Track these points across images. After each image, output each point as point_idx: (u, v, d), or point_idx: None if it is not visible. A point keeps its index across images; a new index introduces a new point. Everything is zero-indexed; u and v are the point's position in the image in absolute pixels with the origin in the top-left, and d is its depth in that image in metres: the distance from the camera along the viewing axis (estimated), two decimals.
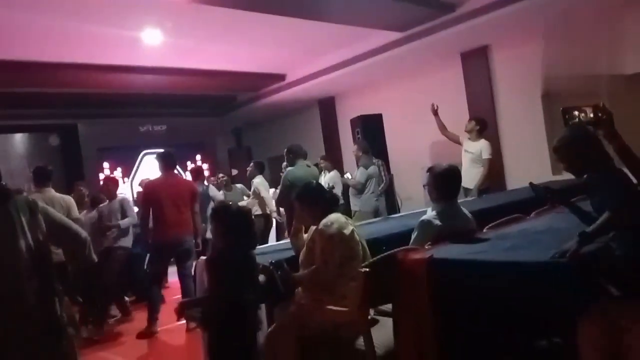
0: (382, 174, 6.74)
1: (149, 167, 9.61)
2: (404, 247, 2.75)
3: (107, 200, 5.85)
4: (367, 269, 2.60)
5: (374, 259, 2.77)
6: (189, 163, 10.31)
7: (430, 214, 3.00)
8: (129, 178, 9.97)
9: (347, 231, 2.92)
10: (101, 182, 6.72)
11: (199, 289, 3.47)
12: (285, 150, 5.83)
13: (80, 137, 9.41)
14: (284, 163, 5.94)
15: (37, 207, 2.23)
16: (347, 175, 7.01)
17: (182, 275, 5.31)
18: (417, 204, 7.62)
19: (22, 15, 5.33)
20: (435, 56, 7.89)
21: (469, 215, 3.10)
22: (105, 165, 9.68)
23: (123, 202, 5.78)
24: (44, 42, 6.30)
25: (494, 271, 2.34)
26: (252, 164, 7.62)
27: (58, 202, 4.88)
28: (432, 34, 6.90)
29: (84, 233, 2.42)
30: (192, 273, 5.47)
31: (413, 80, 8.66)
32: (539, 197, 2.72)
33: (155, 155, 5.55)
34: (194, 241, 5.35)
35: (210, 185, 7.01)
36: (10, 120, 8.91)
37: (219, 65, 8.34)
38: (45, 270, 2.19)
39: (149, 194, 5.24)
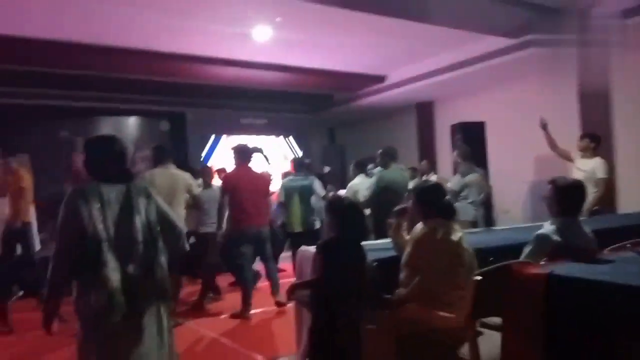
0: (484, 183, 6.50)
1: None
2: (518, 260, 2.64)
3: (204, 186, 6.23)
4: (479, 278, 2.53)
5: (486, 268, 2.69)
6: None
7: (548, 228, 2.84)
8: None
9: (455, 237, 2.86)
10: (205, 168, 7.07)
11: (298, 276, 3.60)
12: (381, 151, 5.84)
13: (188, 124, 9.99)
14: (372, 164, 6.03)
15: (150, 192, 2.56)
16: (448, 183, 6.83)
17: (264, 261, 5.72)
18: (514, 219, 7.31)
19: (148, 14, 5.88)
20: (547, 65, 7.49)
21: (591, 234, 2.91)
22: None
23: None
24: (163, 35, 6.78)
25: (622, 295, 2.19)
26: (354, 162, 7.00)
27: (180, 178, 5.26)
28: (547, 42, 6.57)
29: (179, 225, 2.68)
30: (273, 257, 5.85)
31: (519, 88, 8.29)
32: None
33: (231, 148, 5.78)
34: (269, 230, 5.71)
35: (315, 179, 6.94)
36: (125, 104, 9.61)
37: (321, 64, 8.49)
38: (153, 246, 2.47)
39: (229, 186, 5.48)
